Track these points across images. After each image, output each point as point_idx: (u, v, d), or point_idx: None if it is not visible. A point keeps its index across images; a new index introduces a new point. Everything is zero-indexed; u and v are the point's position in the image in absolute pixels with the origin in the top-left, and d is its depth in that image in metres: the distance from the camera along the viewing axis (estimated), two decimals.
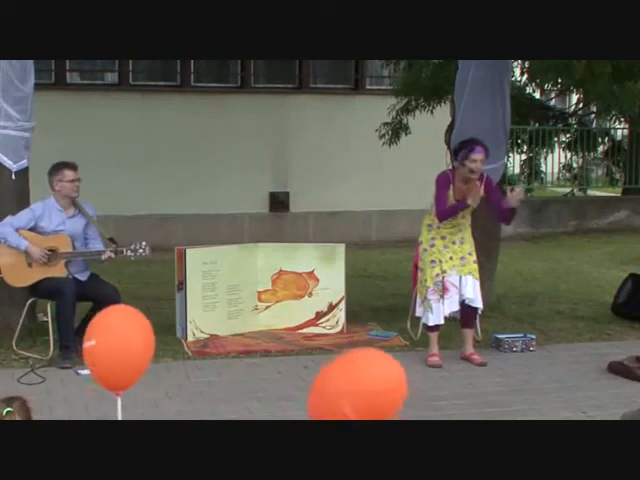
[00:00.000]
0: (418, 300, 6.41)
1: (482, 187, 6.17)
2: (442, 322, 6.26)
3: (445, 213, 6.17)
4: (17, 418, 2.79)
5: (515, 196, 6.03)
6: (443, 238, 6.30)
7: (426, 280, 6.25)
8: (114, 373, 3.63)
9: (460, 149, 6.18)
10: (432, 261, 6.25)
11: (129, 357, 3.60)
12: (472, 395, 5.59)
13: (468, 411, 5.24)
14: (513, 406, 5.36)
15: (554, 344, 6.89)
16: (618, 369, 6.04)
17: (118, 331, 3.62)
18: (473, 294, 6.27)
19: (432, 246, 6.29)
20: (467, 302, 6.28)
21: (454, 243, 6.32)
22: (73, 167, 6.29)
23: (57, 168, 6.26)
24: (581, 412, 5.26)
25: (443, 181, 6.19)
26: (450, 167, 6.41)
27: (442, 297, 6.21)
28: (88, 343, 3.60)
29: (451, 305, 6.24)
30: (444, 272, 6.21)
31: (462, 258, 6.29)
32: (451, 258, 6.27)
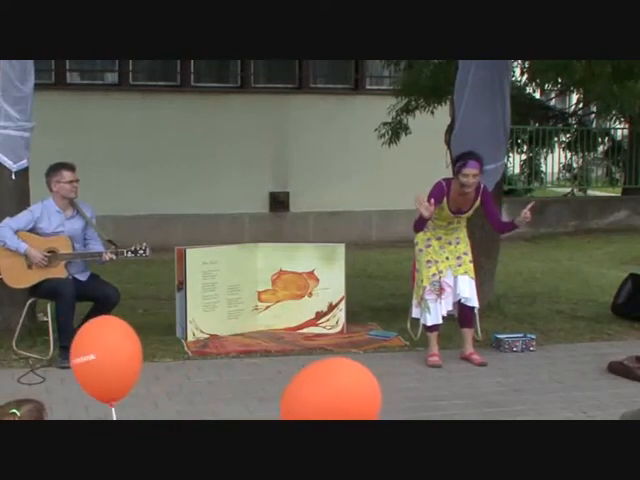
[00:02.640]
0: (414, 301, 6.42)
1: (479, 197, 6.21)
2: (440, 322, 6.28)
3: (415, 226, 6.18)
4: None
5: (524, 220, 6.04)
6: (439, 239, 6.32)
7: (422, 280, 6.26)
8: (109, 387, 3.62)
9: (455, 162, 6.20)
10: (428, 261, 6.26)
11: (123, 371, 3.60)
12: (472, 395, 5.60)
13: (468, 411, 5.24)
14: (513, 406, 5.36)
15: (554, 344, 6.89)
16: (618, 369, 6.04)
17: (112, 345, 3.60)
18: (469, 293, 6.29)
19: (428, 246, 6.30)
20: (463, 301, 6.30)
21: (450, 243, 6.34)
22: (71, 168, 6.26)
23: (55, 169, 6.24)
24: (581, 412, 5.26)
25: (436, 193, 6.14)
26: (444, 177, 6.40)
27: (439, 297, 6.23)
28: (84, 358, 3.53)
29: (447, 305, 6.27)
30: (440, 272, 6.23)
31: (458, 258, 6.31)
32: (447, 258, 6.28)
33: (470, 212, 6.31)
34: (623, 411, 3.66)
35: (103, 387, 3.61)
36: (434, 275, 6.23)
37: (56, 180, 6.20)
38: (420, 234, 6.33)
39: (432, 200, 5.96)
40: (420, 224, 6.14)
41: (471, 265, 6.34)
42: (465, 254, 6.35)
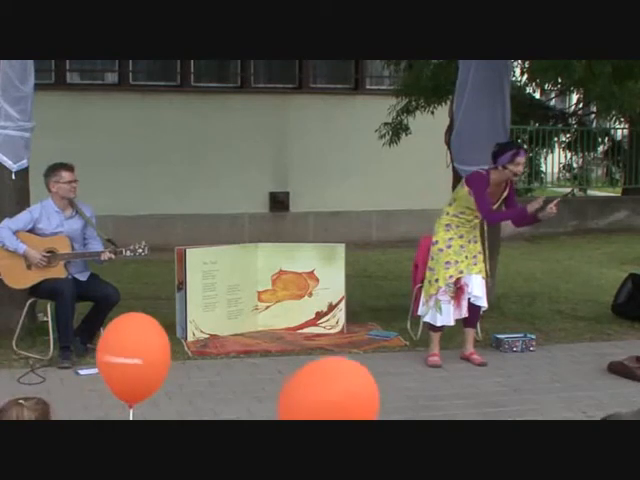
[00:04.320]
0: (422, 298, 6.38)
1: (507, 189, 6.19)
2: (452, 323, 6.24)
3: (496, 217, 6.16)
4: (25, 413, 2.79)
5: (549, 214, 6.10)
6: (461, 237, 6.23)
7: (438, 280, 6.19)
8: (136, 390, 3.62)
9: (501, 152, 6.04)
10: (447, 262, 6.19)
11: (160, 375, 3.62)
12: (472, 395, 5.59)
13: (468, 411, 5.24)
14: (513, 406, 5.36)
15: (554, 344, 6.89)
16: (618, 369, 6.04)
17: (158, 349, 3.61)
18: (480, 292, 6.28)
19: (449, 247, 6.21)
20: (472, 300, 6.28)
21: (469, 242, 6.27)
22: (70, 168, 6.25)
23: (53, 169, 6.23)
24: (581, 412, 5.26)
25: (481, 182, 6.05)
26: (482, 169, 6.30)
27: (453, 298, 6.20)
28: (129, 360, 3.53)
29: (466, 304, 6.26)
30: (460, 272, 6.19)
31: (474, 257, 6.28)
32: (466, 257, 6.24)
33: (498, 204, 6.23)
34: (615, 410, 3.64)
35: (135, 389, 3.60)
36: (451, 277, 6.18)
37: (55, 180, 6.19)
38: (441, 233, 6.24)
39: (558, 202, 6.10)
40: (512, 218, 6.26)
41: (483, 265, 6.33)
42: (480, 253, 6.33)
